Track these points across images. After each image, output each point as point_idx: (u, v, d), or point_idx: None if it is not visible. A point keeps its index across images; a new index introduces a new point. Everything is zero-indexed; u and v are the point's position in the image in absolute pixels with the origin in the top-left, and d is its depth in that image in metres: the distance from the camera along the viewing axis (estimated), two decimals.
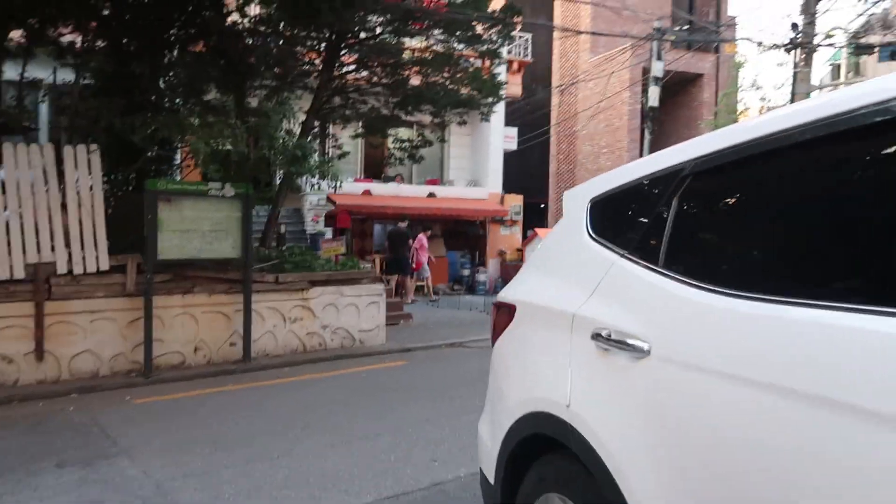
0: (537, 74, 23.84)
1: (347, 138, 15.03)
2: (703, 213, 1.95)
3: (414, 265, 14.69)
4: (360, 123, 13.36)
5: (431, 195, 17.43)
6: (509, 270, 16.93)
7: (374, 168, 18.56)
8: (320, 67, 10.82)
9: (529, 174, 24.24)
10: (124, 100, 7.93)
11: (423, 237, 15.06)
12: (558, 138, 26.76)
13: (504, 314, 2.71)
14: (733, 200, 1.83)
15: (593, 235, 2.32)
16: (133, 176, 8.67)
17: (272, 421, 5.52)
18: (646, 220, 2.07)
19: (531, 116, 23.61)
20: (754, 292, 1.53)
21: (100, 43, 9.05)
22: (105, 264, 7.05)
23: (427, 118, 12.91)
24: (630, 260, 2.05)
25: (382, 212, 16.24)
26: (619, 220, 2.31)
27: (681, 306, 1.75)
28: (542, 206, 25.72)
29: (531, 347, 2.46)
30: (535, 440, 2.28)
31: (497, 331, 2.76)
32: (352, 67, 11.64)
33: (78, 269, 6.91)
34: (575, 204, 2.55)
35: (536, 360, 2.39)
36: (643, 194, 2.16)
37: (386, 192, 17.10)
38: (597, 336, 2.02)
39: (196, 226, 7.37)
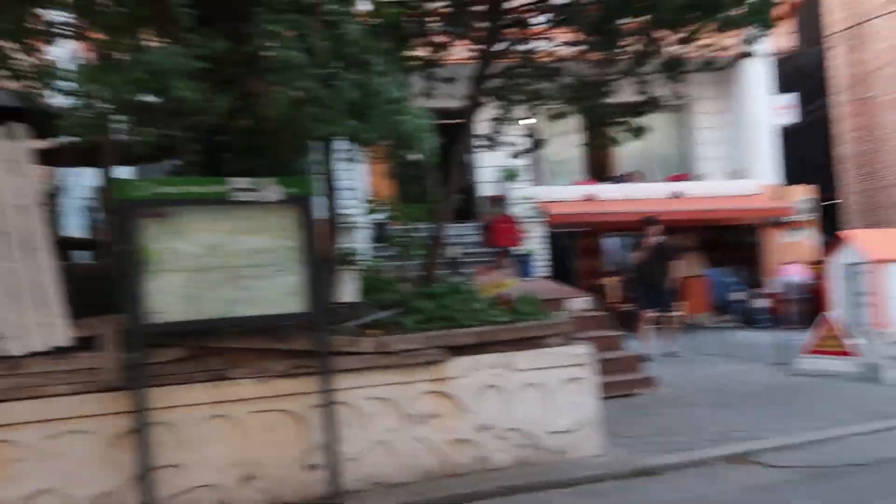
0: (802, 23, 18.27)
1: (543, 125, 11.10)
2: None
3: None
4: (564, 99, 9.28)
5: (676, 195, 13.06)
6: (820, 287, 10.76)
7: (598, 168, 14.97)
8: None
9: (802, 161, 18.07)
10: None
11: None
12: (850, 108, 20.16)
13: None
14: None
15: None
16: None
17: None
18: None
19: (806, 82, 17.98)
20: None
21: None
22: (64, 338, 4.00)
23: (656, 81, 8.40)
24: None
25: (610, 220, 12.80)
26: None
27: None
28: (827, 202, 19.02)
29: None
30: None
31: None
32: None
33: (20, 348, 3.93)
34: None
35: None
36: None
37: (614, 194, 13.32)
38: None
39: (218, 259, 4.03)
